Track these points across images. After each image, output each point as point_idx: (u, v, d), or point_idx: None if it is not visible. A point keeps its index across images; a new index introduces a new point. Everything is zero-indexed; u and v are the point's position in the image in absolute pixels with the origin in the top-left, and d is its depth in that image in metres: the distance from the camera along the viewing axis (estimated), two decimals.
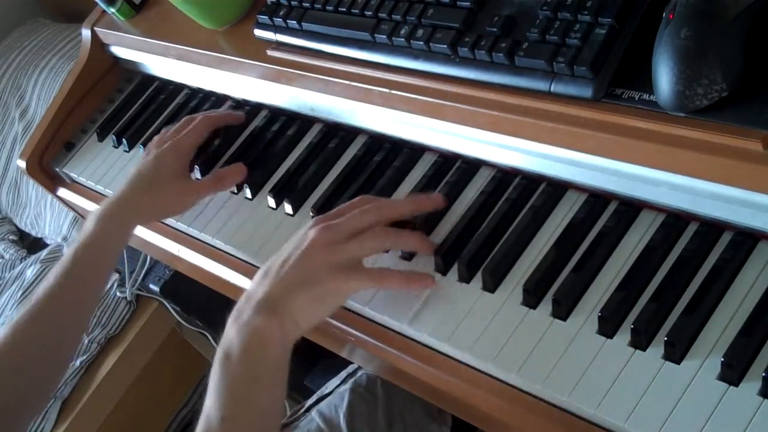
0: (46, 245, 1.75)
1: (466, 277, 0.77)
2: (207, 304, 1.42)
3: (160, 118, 1.16)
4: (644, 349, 0.65)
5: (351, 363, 1.03)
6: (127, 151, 1.15)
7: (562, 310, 0.70)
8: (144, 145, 1.12)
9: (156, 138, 1.01)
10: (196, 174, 1.03)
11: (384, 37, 0.85)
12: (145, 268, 1.47)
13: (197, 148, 1.00)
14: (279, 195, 0.95)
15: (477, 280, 0.76)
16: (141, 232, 1.06)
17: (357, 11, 0.87)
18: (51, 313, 0.89)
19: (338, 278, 0.74)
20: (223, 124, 1.03)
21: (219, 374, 0.71)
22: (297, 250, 0.76)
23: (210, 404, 0.70)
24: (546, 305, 0.71)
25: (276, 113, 1.04)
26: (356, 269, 0.76)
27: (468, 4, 0.80)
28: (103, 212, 0.92)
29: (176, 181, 0.96)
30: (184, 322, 1.49)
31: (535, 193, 0.79)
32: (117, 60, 1.25)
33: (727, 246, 0.67)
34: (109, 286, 1.51)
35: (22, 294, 1.59)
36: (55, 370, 0.92)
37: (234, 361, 0.71)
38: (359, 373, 1.04)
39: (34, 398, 0.90)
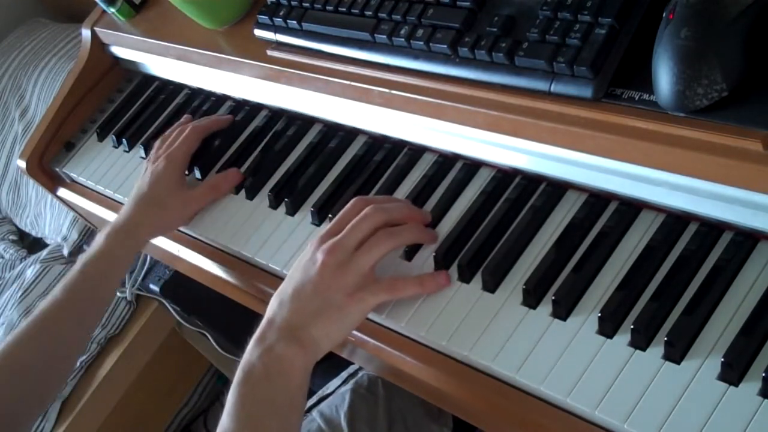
0: (46, 245, 1.75)
1: (466, 277, 0.77)
2: (207, 304, 1.42)
3: (160, 118, 1.16)
4: (644, 349, 0.65)
5: (352, 363, 1.03)
6: (127, 151, 1.15)
7: (562, 310, 0.70)
8: (144, 145, 1.12)
9: (151, 153, 1.04)
10: (196, 174, 1.03)
11: (384, 37, 0.85)
12: (145, 268, 1.47)
13: (190, 157, 1.02)
14: (279, 195, 0.95)
15: (477, 280, 0.76)
16: None
17: (357, 11, 0.87)
18: (56, 324, 0.91)
19: (354, 299, 0.75)
20: (212, 131, 1.05)
21: (238, 396, 0.72)
22: (308, 276, 0.76)
23: (226, 425, 0.71)
24: (546, 305, 0.71)
25: (276, 113, 1.04)
26: (370, 286, 0.76)
27: (468, 4, 0.80)
28: (111, 229, 0.95)
29: (175, 195, 0.98)
30: (184, 322, 1.49)
31: (535, 193, 0.79)
32: (117, 60, 1.25)
33: (727, 246, 0.67)
34: None
35: (22, 294, 1.59)
36: (55, 379, 0.94)
37: (254, 384, 0.72)
38: (360, 374, 1.05)
39: (34, 405, 0.92)
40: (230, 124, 1.06)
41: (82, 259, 0.94)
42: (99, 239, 0.94)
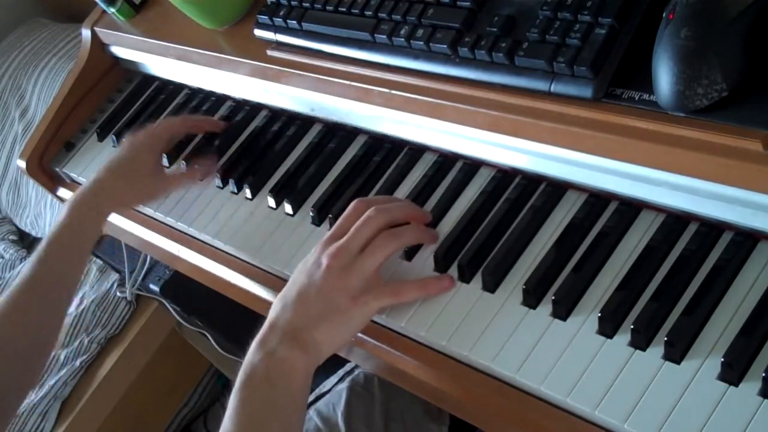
0: None
1: (466, 277, 0.77)
2: (207, 304, 1.42)
3: (160, 118, 1.16)
4: (644, 349, 0.65)
5: (348, 361, 1.03)
6: None
7: (562, 310, 0.70)
8: None
9: (132, 130, 1.04)
10: (163, 160, 1.04)
11: (384, 37, 0.85)
12: (145, 268, 1.46)
13: (172, 141, 1.02)
14: (279, 195, 0.95)
15: (477, 280, 0.76)
16: (140, 232, 1.07)
17: (357, 11, 0.87)
18: (28, 303, 0.90)
19: (359, 303, 0.75)
20: (201, 128, 1.06)
21: (239, 399, 0.71)
22: (313, 280, 0.76)
23: (228, 428, 0.70)
24: (546, 305, 0.71)
25: (276, 113, 1.04)
26: (374, 289, 0.76)
27: (468, 4, 0.80)
28: (76, 200, 0.94)
29: (149, 171, 0.98)
30: (184, 322, 1.49)
31: (535, 193, 0.79)
32: (117, 60, 1.25)
33: (727, 246, 0.67)
34: (109, 285, 1.51)
35: None
36: (36, 357, 0.93)
37: (256, 387, 0.72)
38: (357, 372, 1.05)
39: (15, 388, 0.91)
40: (223, 129, 1.06)
41: (48, 234, 0.93)
42: (63, 211, 0.94)
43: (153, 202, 1.02)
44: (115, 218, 1.12)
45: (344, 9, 0.89)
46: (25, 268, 0.91)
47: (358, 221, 0.78)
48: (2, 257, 1.79)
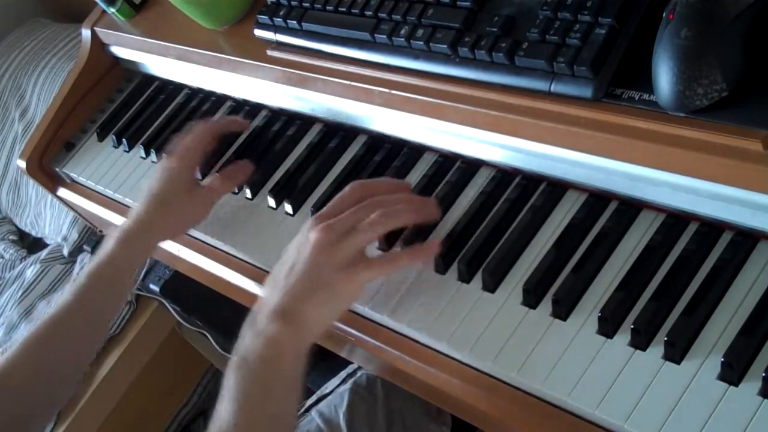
0: (46, 245, 1.75)
1: (466, 277, 0.77)
2: (207, 304, 1.42)
3: (160, 118, 1.16)
4: (644, 349, 0.65)
5: (351, 363, 1.03)
6: (127, 151, 1.15)
7: (562, 310, 0.70)
8: (144, 145, 1.12)
9: (166, 152, 1.01)
10: (197, 175, 1.03)
11: (384, 37, 0.85)
12: (145, 268, 1.46)
13: (202, 154, 0.99)
14: (279, 195, 0.95)
15: (477, 280, 0.76)
16: None
17: (357, 11, 0.87)
18: (66, 329, 0.90)
19: (345, 277, 0.74)
20: (226, 131, 1.03)
21: (233, 381, 0.71)
22: (301, 255, 0.76)
23: (223, 411, 0.71)
24: (546, 305, 0.72)
25: (276, 113, 1.04)
26: (361, 263, 0.76)
27: (468, 4, 0.80)
28: (123, 233, 0.92)
29: (188, 193, 0.95)
30: (184, 322, 1.49)
31: (535, 193, 0.79)
32: (117, 60, 1.25)
33: (727, 246, 0.67)
34: None
35: (22, 294, 1.60)
36: (66, 384, 0.93)
37: (249, 369, 0.72)
38: (359, 373, 1.05)
39: (45, 411, 0.91)
40: (245, 128, 1.04)
41: (92, 262, 0.91)
42: (110, 243, 0.91)
43: (201, 221, 0.97)
44: (115, 219, 1.12)
45: (344, 9, 0.89)
46: (65, 294, 0.90)
47: (354, 207, 0.77)
48: (2, 257, 1.79)
